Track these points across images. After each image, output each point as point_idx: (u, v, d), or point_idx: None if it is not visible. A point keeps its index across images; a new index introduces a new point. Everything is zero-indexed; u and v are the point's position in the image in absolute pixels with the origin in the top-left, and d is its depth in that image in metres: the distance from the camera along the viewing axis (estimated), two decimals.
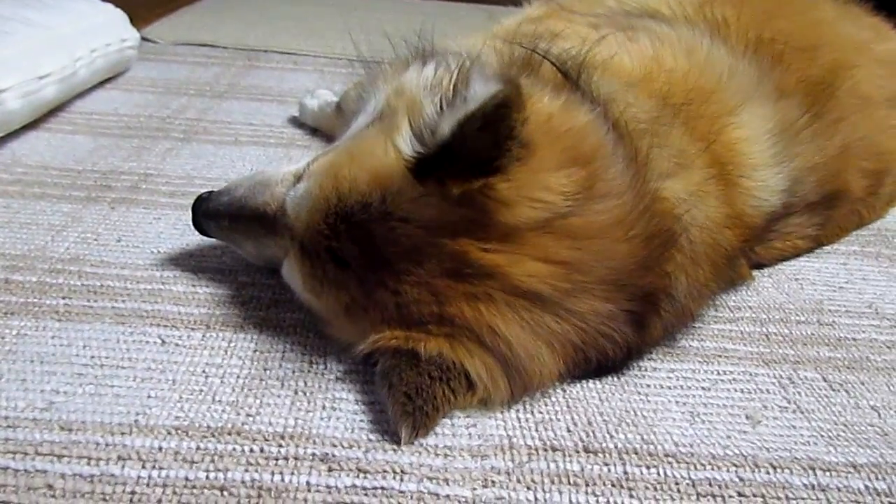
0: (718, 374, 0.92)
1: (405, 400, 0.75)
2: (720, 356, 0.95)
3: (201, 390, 0.80)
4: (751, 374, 0.92)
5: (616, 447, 0.77)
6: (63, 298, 0.93)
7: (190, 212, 0.98)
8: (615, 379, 0.88)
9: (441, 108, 0.78)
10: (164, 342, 0.87)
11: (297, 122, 1.60)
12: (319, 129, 1.55)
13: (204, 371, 0.83)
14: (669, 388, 0.88)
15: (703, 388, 0.89)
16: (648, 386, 0.88)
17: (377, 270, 0.80)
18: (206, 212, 0.97)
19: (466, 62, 0.81)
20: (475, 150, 0.73)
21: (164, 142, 1.44)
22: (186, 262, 1.04)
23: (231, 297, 0.97)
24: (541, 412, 0.81)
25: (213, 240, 1.04)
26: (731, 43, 1.10)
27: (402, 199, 0.78)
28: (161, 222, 1.14)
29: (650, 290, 0.85)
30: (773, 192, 1.04)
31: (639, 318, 0.85)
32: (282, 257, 0.93)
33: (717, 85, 1.03)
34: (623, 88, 0.95)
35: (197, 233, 1.07)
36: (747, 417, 0.84)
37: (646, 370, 0.90)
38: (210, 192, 0.98)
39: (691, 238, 0.90)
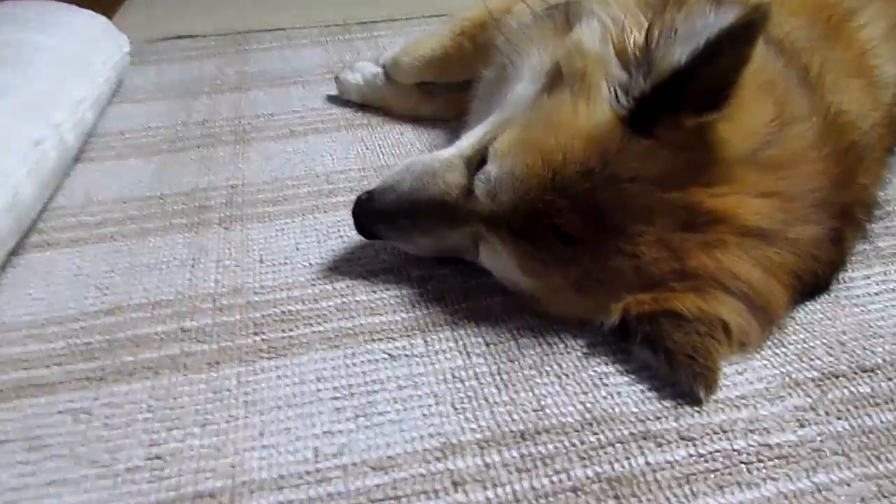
0: None
1: (690, 361, 0.75)
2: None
3: (468, 396, 0.77)
4: None
5: (885, 361, 0.79)
6: (255, 335, 0.87)
7: (352, 215, 0.94)
8: (827, 297, 0.90)
9: (648, 52, 0.77)
10: (392, 357, 0.83)
11: (338, 101, 1.53)
12: (368, 103, 1.48)
13: (455, 376, 0.80)
14: (876, 294, 0.91)
15: None
16: (857, 297, 0.90)
17: (610, 238, 0.78)
18: (374, 213, 0.92)
19: (659, 20, 0.79)
20: (711, 76, 0.72)
21: (221, 148, 1.35)
22: (348, 268, 0.99)
23: (420, 295, 0.93)
24: (791, 344, 0.83)
25: (361, 240, 1.00)
26: None
27: (627, 158, 0.76)
28: (287, 234, 1.07)
29: (847, 203, 0.88)
30: (894, 84, 1.07)
31: (839, 234, 0.87)
32: (468, 245, 0.90)
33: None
34: (776, 10, 0.94)
35: (338, 236, 1.04)
36: None
37: (845, 282, 0.92)
38: (369, 193, 0.94)
39: (870, 145, 0.92)
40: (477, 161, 0.87)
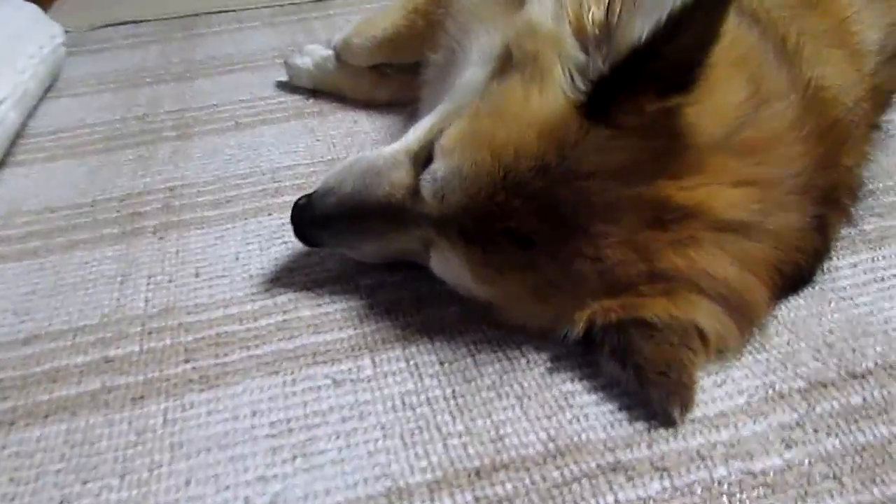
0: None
1: (662, 378, 0.67)
2: (884, 237, 0.91)
3: (419, 427, 0.69)
4: None
5: (876, 364, 0.72)
6: (187, 363, 0.79)
7: (291, 221, 0.85)
8: (811, 290, 0.82)
9: (608, 29, 0.69)
10: (337, 382, 0.75)
11: (288, 87, 1.43)
12: (320, 89, 1.39)
13: (405, 402, 0.72)
14: (864, 284, 0.84)
15: (893, 276, 0.85)
16: (844, 288, 0.83)
17: (570, 240, 0.70)
18: (315, 220, 0.84)
19: None
20: (676, 54, 0.63)
21: (162, 145, 1.26)
22: (291, 279, 0.90)
23: (369, 307, 0.85)
24: (773, 347, 0.75)
25: (304, 247, 0.91)
26: None
27: (586, 150, 0.68)
28: (227, 241, 0.99)
29: (831, 188, 0.80)
30: (874, 52, 0.99)
31: (823, 221, 0.79)
32: (418, 249, 0.82)
33: None
34: None
35: (282, 242, 0.96)
36: None
37: (830, 271, 0.85)
38: (308, 197, 0.85)
39: (855, 122, 0.84)
40: (424, 157, 0.79)
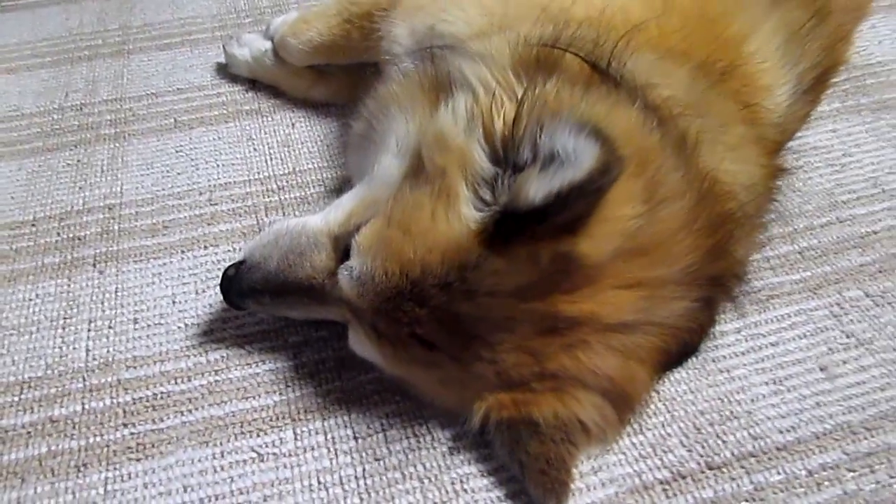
0: (778, 321, 0.96)
1: (542, 477, 0.77)
2: (771, 297, 0.99)
3: None
4: (805, 313, 0.97)
5: (733, 454, 0.82)
6: (125, 426, 0.87)
7: (220, 289, 0.91)
8: (693, 361, 0.91)
9: (505, 158, 0.76)
10: (260, 456, 0.84)
11: (226, 73, 1.42)
12: (258, 79, 1.39)
13: (320, 482, 0.81)
14: (742, 353, 0.93)
15: (771, 345, 0.94)
16: (724, 357, 0.92)
17: (470, 346, 0.78)
18: (242, 291, 0.90)
19: (527, 106, 0.74)
20: (569, 214, 0.70)
21: (99, 147, 1.27)
22: (223, 332, 0.97)
23: (294, 368, 0.92)
24: (649, 429, 0.85)
25: None
26: None
27: (485, 273, 0.75)
28: (165, 279, 1.04)
29: (719, 274, 0.87)
30: (785, 104, 1.04)
31: (710, 301, 0.87)
32: (340, 320, 0.89)
33: (726, 18, 0.97)
34: (657, 65, 0.89)
35: (216, 283, 1.00)
36: (821, 369, 0.91)
37: (715, 337, 0.93)
38: (236, 267, 0.90)
39: (747, 211, 0.90)
40: (343, 244, 0.84)
